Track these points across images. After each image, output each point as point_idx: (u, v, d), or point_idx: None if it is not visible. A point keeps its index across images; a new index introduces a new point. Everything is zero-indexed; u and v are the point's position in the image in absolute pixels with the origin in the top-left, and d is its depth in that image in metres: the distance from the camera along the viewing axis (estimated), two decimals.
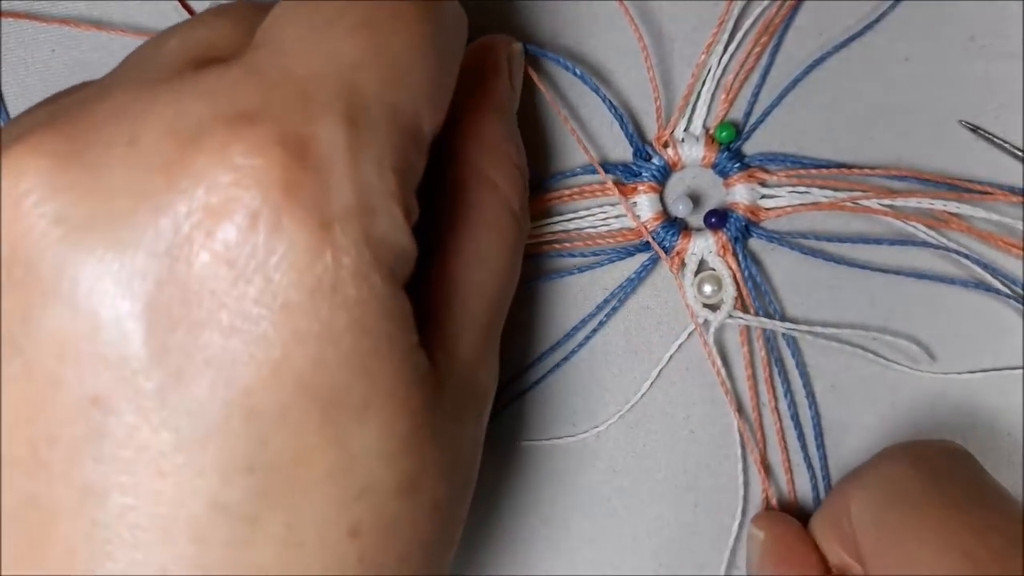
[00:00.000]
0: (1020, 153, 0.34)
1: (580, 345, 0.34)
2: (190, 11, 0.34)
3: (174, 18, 0.34)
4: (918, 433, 0.35)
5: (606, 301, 0.34)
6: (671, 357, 0.34)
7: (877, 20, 0.34)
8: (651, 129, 0.34)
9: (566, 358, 0.34)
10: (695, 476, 0.35)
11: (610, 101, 0.33)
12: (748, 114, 0.34)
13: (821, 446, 0.35)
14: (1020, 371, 0.35)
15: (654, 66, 0.34)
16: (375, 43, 0.21)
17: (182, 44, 0.23)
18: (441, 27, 0.22)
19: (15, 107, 0.34)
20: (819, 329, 0.34)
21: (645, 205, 0.34)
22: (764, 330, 0.34)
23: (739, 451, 0.34)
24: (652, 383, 0.34)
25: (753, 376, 0.34)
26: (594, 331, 0.34)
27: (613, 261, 0.34)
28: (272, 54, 0.20)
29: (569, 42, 0.34)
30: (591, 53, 0.34)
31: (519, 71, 0.31)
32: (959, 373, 0.35)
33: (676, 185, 0.35)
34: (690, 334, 0.34)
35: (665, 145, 0.34)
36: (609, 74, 0.34)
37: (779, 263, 0.35)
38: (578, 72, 0.33)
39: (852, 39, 0.34)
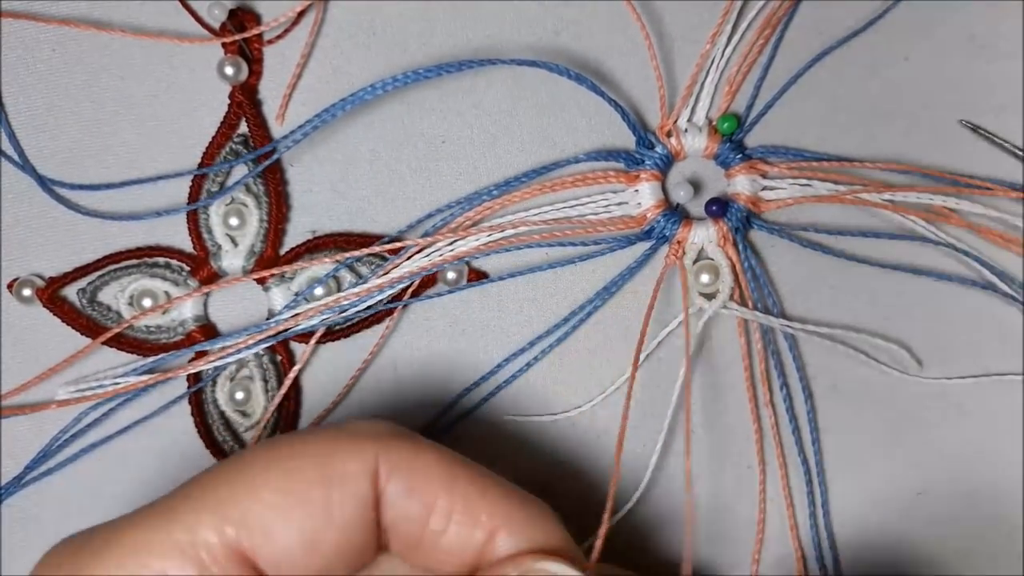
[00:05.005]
0: (1020, 153, 0.34)
1: (574, 327, 0.34)
2: (190, 11, 0.34)
3: (174, 18, 0.34)
4: (917, 433, 0.35)
5: (606, 288, 0.34)
6: (659, 343, 0.34)
7: (877, 19, 0.34)
8: (654, 123, 0.35)
9: (559, 340, 0.34)
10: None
11: (610, 96, 0.33)
12: (750, 107, 0.35)
13: (816, 441, 0.35)
14: (1013, 374, 0.34)
15: (658, 60, 0.34)
16: None
17: None
18: None
19: (15, 107, 0.34)
20: (812, 328, 0.34)
21: (647, 192, 0.34)
22: (762, 325, 0.34)
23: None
24: (637, 369, 0.34)
25: (750, 369, 0.34)
26: (588, 314, 0.34)
27: (614, 250, 0.34)
28: None
29: (571, 39, 0.35)
30: (593, 50, 0.35)
31: None
32: (950, 378, 0.35)
33: (678, 175, 0.35)
34: (679, 323, 0.34)
35: (668, 134, 0.34)
36: (611, 71, 0.35)
37: (780, 259, 0.35)
38: (573, 74, 0.33)
39: (852, 36, 0.34)
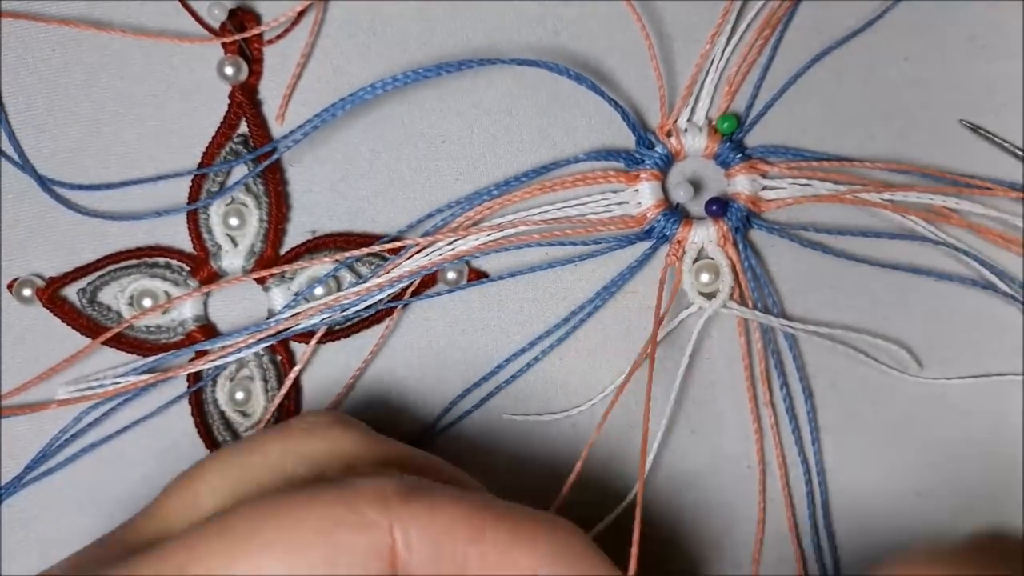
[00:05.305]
0: (1020, 152, 0.34)
1: (574, 327, 0.34)
2: (190, 11, 0.34)
3: (174, 18, 0.34)
4: (917, 433, 0.35)
5: (606, 288, 0.34)
6: (659, 342, 0.34)
7: (877, 19, 0.34)
8: (654, 123, 0.35)
9: (559, 340, 0.34)
10: None
11: (609, 96, 0.33)
12: (750, 107, 0.35)
13: (816, 441, 0.35)
14: (1012, 375, 0.34)
15: (658, 60, 0.34)
16: None
17: None
18: None
19: (15, 107, 0.34)
20: (812, 328, 0.34)
21: (647, 192, 0.34)
22: (762, 325, 0.34)
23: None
24: (634, 368, 0.34)
25: (750, 369, 0.34)
26: (588, 314, 0.34)
27: (614, 250, 0.34)
28: None
29: (571, 39, 0.35)
30: (593, 50, 0.35)
31: None
32: (949, 379, 0.35)
33: (678, 174, 0.35)
34: (680, 322, 0.34)
35: (668, 134, 0.34)
36: (611, 71, 0.35)
37: (780, 259, 0.35)
38: (573, 73, 0.33)
39: (852, 36, 0.34)
